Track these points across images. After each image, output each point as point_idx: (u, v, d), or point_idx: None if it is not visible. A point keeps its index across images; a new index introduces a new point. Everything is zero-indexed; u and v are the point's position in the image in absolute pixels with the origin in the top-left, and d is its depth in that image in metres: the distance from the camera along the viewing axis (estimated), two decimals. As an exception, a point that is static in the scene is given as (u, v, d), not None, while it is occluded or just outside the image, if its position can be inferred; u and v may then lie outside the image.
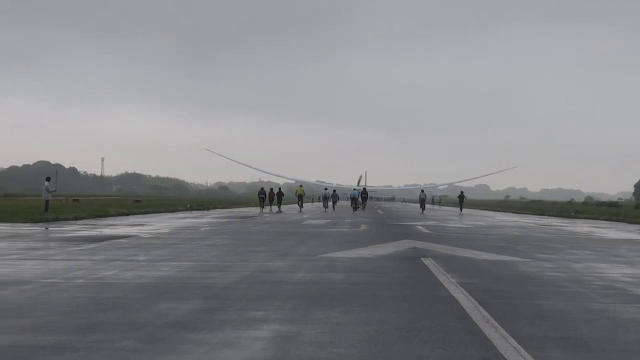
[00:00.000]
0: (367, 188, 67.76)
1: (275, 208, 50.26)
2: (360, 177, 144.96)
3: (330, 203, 54.12)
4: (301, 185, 54.69)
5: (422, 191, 53.75)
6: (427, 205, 74.56)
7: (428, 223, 27.94)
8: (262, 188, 52.01)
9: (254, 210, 45.42)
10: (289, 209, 50.54)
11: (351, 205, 55.21)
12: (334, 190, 56.24)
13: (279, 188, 53.86)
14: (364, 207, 53.15)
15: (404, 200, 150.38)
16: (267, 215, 36.43)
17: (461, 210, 52.93)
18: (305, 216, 35.58)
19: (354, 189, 58.02)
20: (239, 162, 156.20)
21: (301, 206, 52.60)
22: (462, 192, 53.46)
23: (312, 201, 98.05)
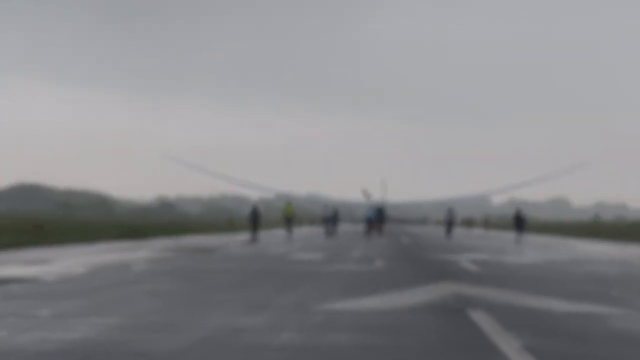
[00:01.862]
0: (384, 204, 68.67)
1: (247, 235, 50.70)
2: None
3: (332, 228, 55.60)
4: (290, 203, 56.40)
5: (448, 210, 60.61)
6: (456, 229, 77.74)
7: (476, 257, 27.98)
8: (254, 207, 52.17)
9: (218, 240, 45.37)
10: (268, 237, 50.74)
11: (365, 230, 55.89)
12: (335, 211, 57.06)
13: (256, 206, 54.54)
14: (380, 233, 53.66)
15: (439, 222, 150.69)
16: (237, 246, 36.42)
17: (519, 234, 53.98)
18: (294, 246, 35.68)
19: (369, 206, 58.72)
20: (211, 172, 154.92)
21: (290, 231, 54.36)
22: (518, 211, 55.00)
23: (301, 224, 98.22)
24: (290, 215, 55.16)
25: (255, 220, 49.91)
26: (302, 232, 67.00)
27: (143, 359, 7.88)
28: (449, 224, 59.64)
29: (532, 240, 51.73)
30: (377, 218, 57.03)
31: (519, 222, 53.85)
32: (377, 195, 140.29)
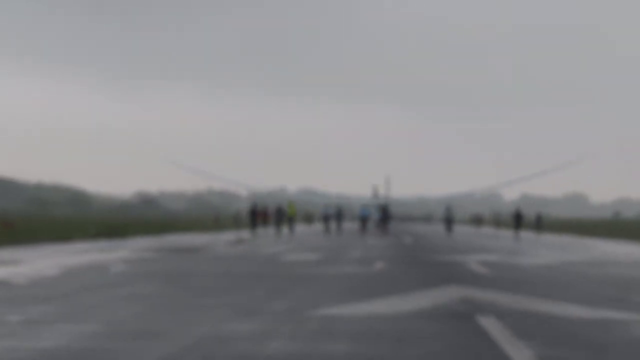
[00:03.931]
0: (388, 202, 73.25)
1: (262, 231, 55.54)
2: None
3: (333, 226, 59.21)
4: (293, 202, 63.16)
5: (447, 208, 68.37)
6: (462, 227, 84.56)
7: (485, 258, 28.01)
8: (255, 203, 60.78)
9: (205, 239, 45.43)
10: (264, 236, 50.96)
11: (360, 228, 57.58)
12: (339, 208, 60.93)
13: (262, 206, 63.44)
14: (384, 232, 54.53)
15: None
16: (226, 246, 36.46)
17: (517, 231, 61.31)
18: (290, 246, 35.87)
19: (363, 205, 61.76)
20: (198, 171, 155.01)
21: (292, 231, 60.28)
22: (518, 209, 63.01)
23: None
24: (292, 214, 61.09)
25: (254, 217, 56.33)
26: (297, 230, 67.37)
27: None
28: (448, 221, 67.34)
29: (547, 239, 51.81)
30: (381, 216, 59.58)
31: (518, 220, 61.79)
32: (381, 192, 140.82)
